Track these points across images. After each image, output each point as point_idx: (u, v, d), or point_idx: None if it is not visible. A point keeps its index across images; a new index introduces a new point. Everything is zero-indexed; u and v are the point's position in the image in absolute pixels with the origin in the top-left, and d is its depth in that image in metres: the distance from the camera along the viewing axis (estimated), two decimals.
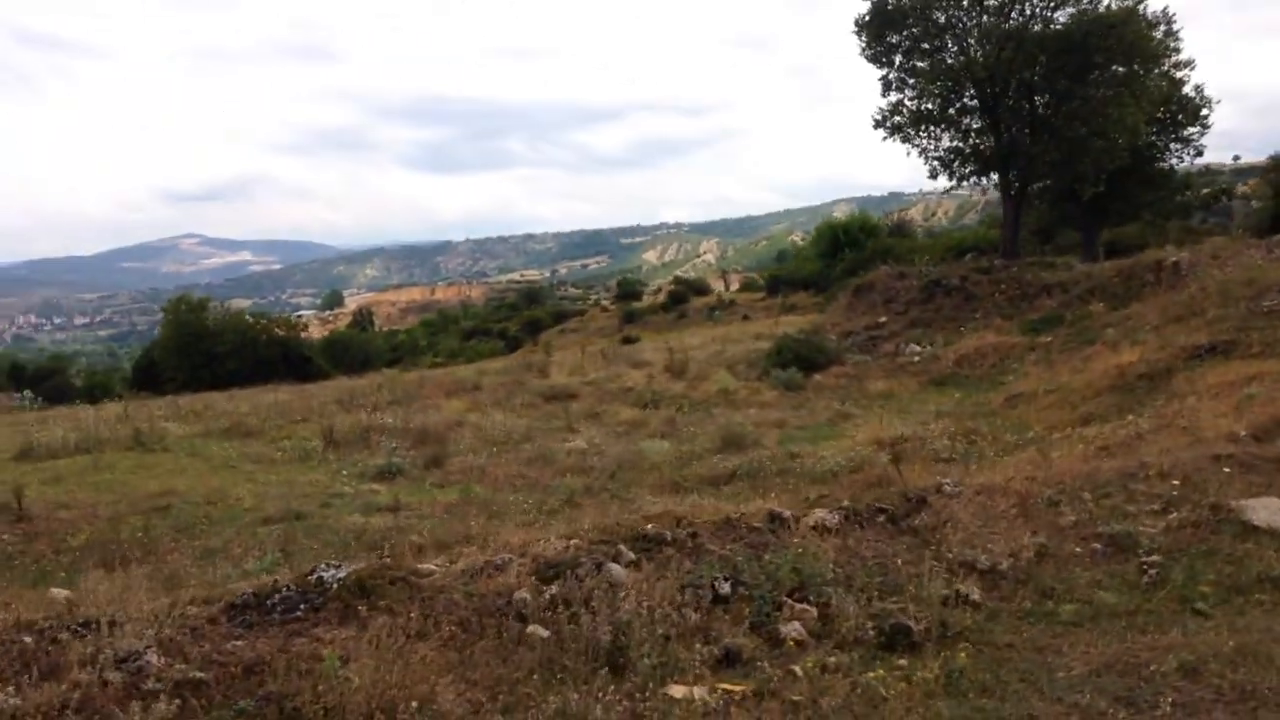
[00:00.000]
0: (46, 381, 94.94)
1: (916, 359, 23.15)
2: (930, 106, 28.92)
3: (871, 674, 5.09)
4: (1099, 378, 16.81)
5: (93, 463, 16.20)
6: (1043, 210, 35.86)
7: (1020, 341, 22.03)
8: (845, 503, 7.62)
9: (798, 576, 6.07)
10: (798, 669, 5.17)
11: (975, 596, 6.24)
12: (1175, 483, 8.62)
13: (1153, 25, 28.95)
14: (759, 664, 5.25)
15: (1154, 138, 33.03)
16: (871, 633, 5.61)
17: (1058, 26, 27.49)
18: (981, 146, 29.08)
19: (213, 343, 61.09)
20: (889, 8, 28.22)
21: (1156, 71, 29.63)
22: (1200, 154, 34.17)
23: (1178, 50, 32.55)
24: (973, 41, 28.05)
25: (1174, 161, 35.15)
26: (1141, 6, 28.08)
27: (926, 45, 28.47)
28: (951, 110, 28.89)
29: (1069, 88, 27.38)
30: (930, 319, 25.30)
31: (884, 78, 29.21)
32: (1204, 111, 33.26)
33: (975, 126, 29.12)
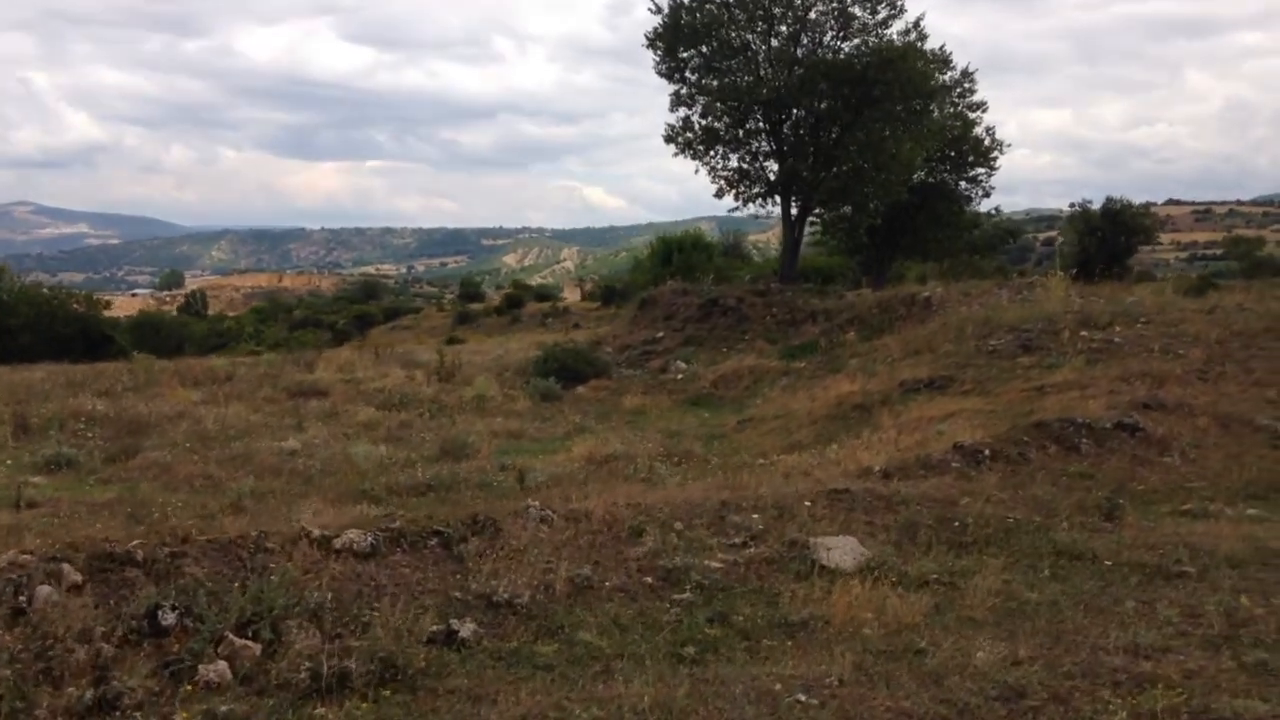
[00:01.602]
0: None
1: (679, 376, 23.10)
2: (718, 125, 29.07)
3: None
4: (820, 406, 16.97)
5: None
6: (840, 238, 36.61)
7: (776, 366, 22.21)
8: (396, 523, 7.14)
9: (256, 606, 5.53)
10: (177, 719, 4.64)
11: (466, 634, 5.83)
12: (773, 515, 8.49)
13: (932, 62, 29.72)
14: (134, 714, 4.69)
15: (945, 175, 34.13)
16: (305, 676, 5.11)
17: (842, 57, 27.96)
18: (766, 170, 29.40)
19: (5, 315, 57.47)
20: (681, 23, 28.24)
21: (937, 110, 30.54)
22: (988, 194, 35.50)
23: (972, 92, 33.76)
24: (763, 64, 28.31)
25: (982, 201, 36.46)
26: (922, 44, 28.82)
27: (718, 64, 28.58)
28: (739, 131, 29.09)
29: (851, 119, 27.91)
30: (704, 337, 25.34)
31: (675, 93, 29.24)
32: (994, 153, 34.54)
33: (762, 150, 29.40)
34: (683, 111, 29.30)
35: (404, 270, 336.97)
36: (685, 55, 28.73)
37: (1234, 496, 10.38)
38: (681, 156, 29.40)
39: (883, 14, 27.91)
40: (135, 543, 6.09)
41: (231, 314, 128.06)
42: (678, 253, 58.18)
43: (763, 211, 30.05)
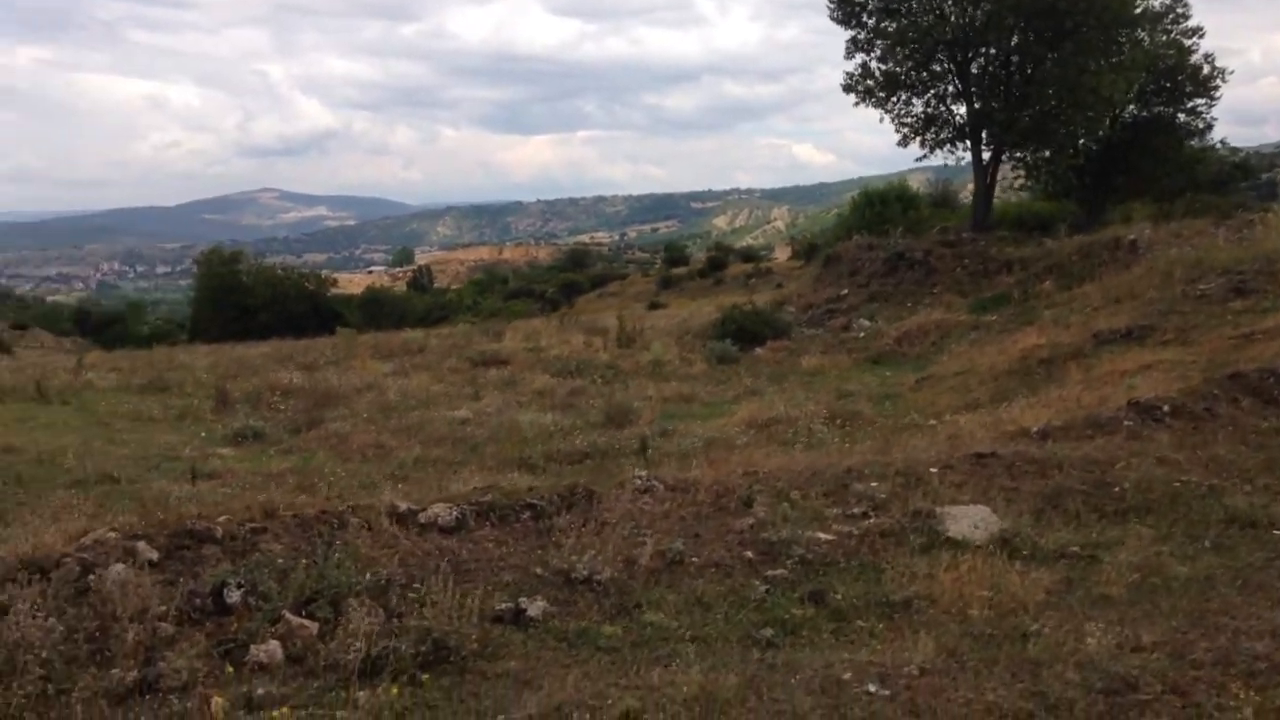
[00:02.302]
0: (110, 328, 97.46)
1: (861, 334, 22.26)
2: (898, 69, 27.57)
3: (287, 710, 4.49)
4: (1002, 362, 15.90)
5: None
6: (1047, 181, 34.28)
7: (964, 320, 21.03)
8: (487, 497, 7.01)
9: (319, 584, 5.49)
10: (213, 704, 4.60)
11: (535, 613, 5.62)
12: (900, 483, 7.89)
13: None
14: (172, 697, 4.68)
15: (1160, 108, 31.38)
16: (354, 658, 4.99)
17: None
18: (953, 114, 27.73)
19: (245, 296, 62.02)
20: None
21: (1147, 38, 27.97)
22: (1210, 127, 32.36)
23: (1185, 17, 30.83)
24: (946, 2, 26.61)
25: (1206, 135, 33.38)
26: None
27: (897, 5, 27.05)
28: (923, 74, 27.52)
29: (1044, 53, 25.89)
30: (889, 293, 24.31)
31: (851, 39, 27.90)
32: (1214, 82, 31.39)
33: (948, 92, 27.72)
34: (860, 58, 28.01)
35: (616, 237, 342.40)
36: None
37: None
38: (863, 105, 28.14)
39: None
40: (223, 518, 6.18)
41: (454, 287, 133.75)
42: (880, 206, 56.35)
43: (952, 158, 28.42)
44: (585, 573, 6.07)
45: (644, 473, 7.74)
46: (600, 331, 26.31)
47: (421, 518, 6.45)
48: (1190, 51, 31.20)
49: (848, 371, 19.89)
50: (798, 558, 6.58)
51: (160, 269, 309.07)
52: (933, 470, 8.07)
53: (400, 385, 19.08)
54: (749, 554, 6.67)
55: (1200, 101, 31.68)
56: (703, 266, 78.49)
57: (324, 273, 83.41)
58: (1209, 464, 8.51)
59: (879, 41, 27.58)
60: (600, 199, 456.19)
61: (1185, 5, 30.28)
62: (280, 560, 5.77)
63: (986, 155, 27.90)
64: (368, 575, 5.67)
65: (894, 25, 27.36)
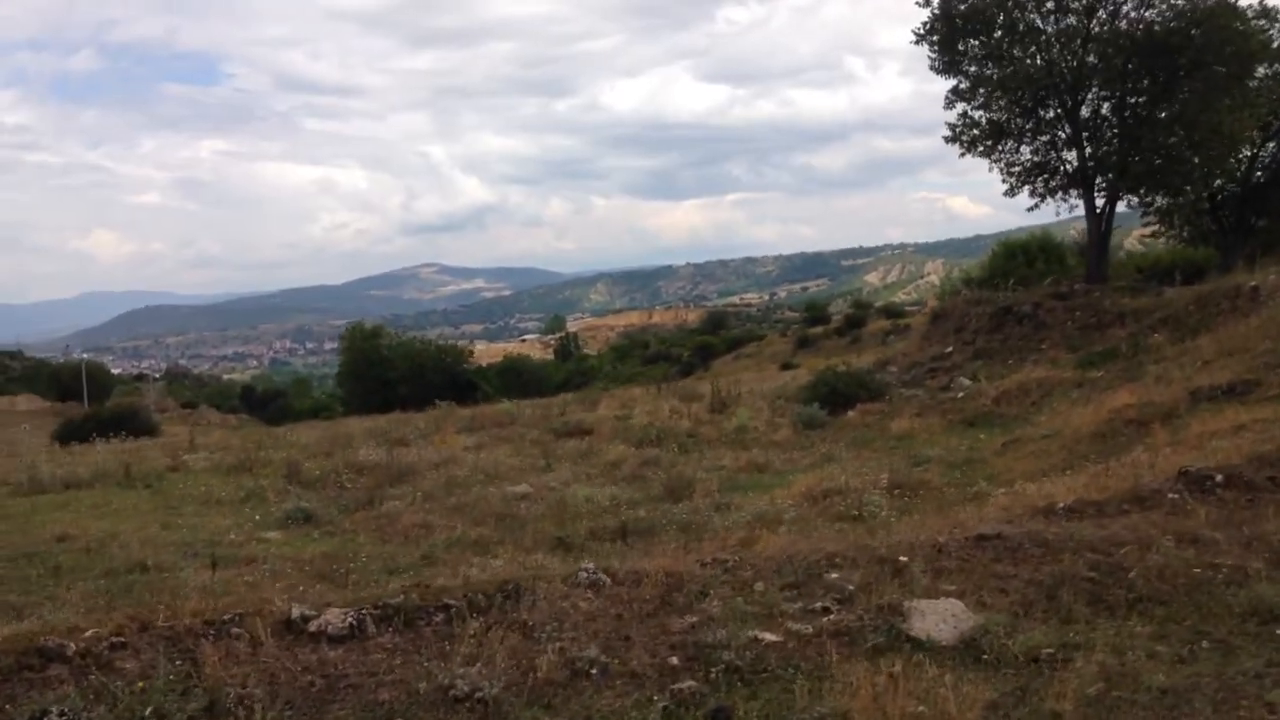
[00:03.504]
0: (273, 403, 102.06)
1: (960, 395, 21.09)
2: (1000, 117, 26.41)
3: None
4: (1088, 424, 14.69)
5: (61, 499, 16.83)
6: (1179, 227, 32.23)
7: (1069, 377, 19.68)
8: (398, 598, 6.56)
9: (141, 711, 5.09)
10: None
11: None
12: (877, 571, 7.12)
13: (1255, 18, 25.34)
14: None
15: None
16: None
17: (1147, 26, 24.48)
18: (1064, 160, 26.31)
19: (385, 369, 64.07)
20: (955, 14, 25.93)
21: (1267, 71, 26.07)
22: None
23: None
24: (1054, 45, 25.42)
25: None
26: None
27: (1002, 52, 25.99)
28: (1029, 121, 26.28)
29: (1159, 93, 24.38)
30: (995, 349, 23.07)
31: (953, 89, 26.89)
32: None
33: (1058, 138, 26.36)
34: (961, 106, 27.01)
35: (766, 298, 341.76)
36: (963, 47, 26.46)
37: None
38: (969, 155, 27.05)
39: None
40: (90, 632, 5.91)
41: (598, 353, 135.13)
42: (1023, 257, 54.19)
43: (1064, 207, 26.99)
44: (467, 689, 5.55)
45: (590, 565, 7.21)
46: (697, 398, 25.83)
47: (313, 625, 6.07)
48: None
49: (938, 435, 18.82)
50: (726, 664, 5.90)
51: (328, 345, 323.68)
52: (918, 557, 7.26)
53: (475, 459, 18.99)
54: (674, 660, 6.03)
55: None
56: (840, 325, 77.17)
57: (467, 343, 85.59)
58: (1250, 544, 7.44)
59: (981, 90, 26.56)
60: (749, 260, 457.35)
61: None
62: (130, 681, 5.44)
63: (1100, 202, 26.39)
64: (191, 703, 5.22)
65: (997, 73, 26.33)
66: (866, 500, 12.89)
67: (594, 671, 5.83)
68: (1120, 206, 28.33)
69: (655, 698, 5.59)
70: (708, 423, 21.80)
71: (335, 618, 6.09)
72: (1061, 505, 8.53)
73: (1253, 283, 19.77)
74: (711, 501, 14.46)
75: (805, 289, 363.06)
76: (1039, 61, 25.49)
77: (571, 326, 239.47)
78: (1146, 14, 24.78)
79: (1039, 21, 25.56)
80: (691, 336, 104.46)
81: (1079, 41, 25.12)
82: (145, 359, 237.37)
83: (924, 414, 20.35)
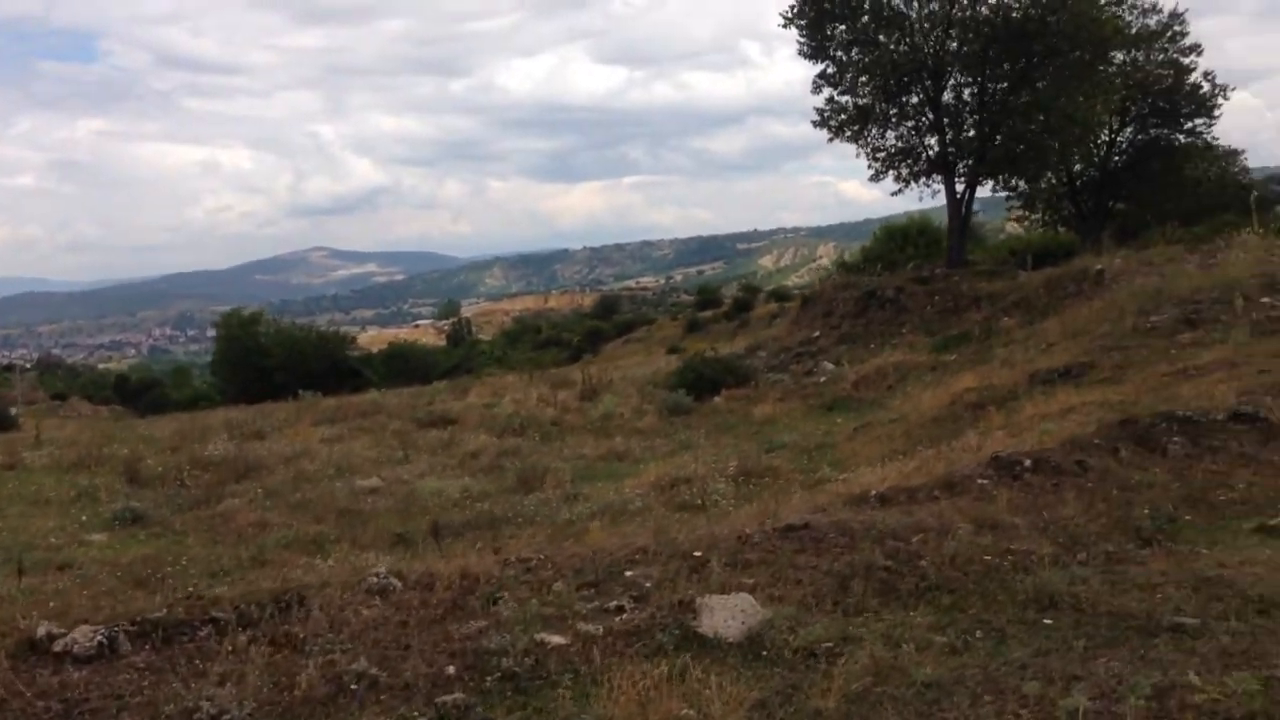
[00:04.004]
0: (148, 393, 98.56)
1: (823, 379, 21.34)
2: (868, 102, 26.74)
3: None
4: (930, 408, 14.94)
5: None
6: (1042, 211, 33.16)
7: (924, 360, 20.05)
8: (160, 613, 6.21)
9: None
10: None
11: None
12: (678, 567, 7.01)
13: (1108, 4, 26.08)
14: None
15: (1157, 129, 30.25)
16: None
17: (1006, 12, 25.00)
18: (926, 145, 26.81)
19: (263, 357, 62.18)
20: None
21: (1142, 56, 26.96)
22: (1209, 146, 31.09)
23: (1183, 35, 29.76)
24: (918, 30, 25.79)
25: (1211, 155, 32.06)
26: None
27: (868, 36, 26.28)
28: (894, 106, 26.66)
29: (1017, 79, 24.96)
30: (860, 334, 23.39)
31: (820, 73, 27.11)
32: (1215, 101, 30.19)
33: (922, 124, 26.81)
34: (828, 92, 27.24)
35: (662, 281, 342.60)
36: (830, 31, 26.65)
37: None
38: (836, 140, 27.30)
39: None
40: None
41: (491, 338, 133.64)
42: (901, 240, 55.13)
43: (928, 191, 27.46)
44: (214, 711, 5.24)
45: (381, 569, 6.95)
46: (569, 384, 25.63)
47: (59, 645, 5.69)
48: (1189, 70, 30.10)
49: (798, 420, 18.96)
50: (503, 672, 5.71)
51: (211, 333, 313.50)
52: (721, 550, 7.17)
53: (330, 452, 18.48)
54: (451, 669, 5.81)
55: (1200, 121, 30.49)
56: (729, 309, 77.56)
57: (358, 329, 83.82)
58: (1047, 529, 7.55)
59: (847, 74, 26.81)
60: (647, 244, 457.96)
61: (1183, 23, 29.30)
62: None
63: (960, 187, 26.95)
64: None
65: (864, 57, 26.60)
66: (711, 489, 12.85)
67: (358, 686, 5.58)
68: (986, 191, 28.99)
69: (418, 713, 5.37)
70: (575, 410, 21.63)
71: (83, 636, 5.72)
72: (874, 493, 8.56)
73: (1099, 266, 20.35)
74: (562, 492, 14.31)
75: (701, 272, 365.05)
76: (903, 46, 25.84)
77: (467, 311, 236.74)
78: (1007, 0, 25.27)
79: (903, 6, 25.90)
80: (583, 321, 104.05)
81: (942, 27, 25.53)
82: (16, 348, 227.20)
83: (787, 399, 20.51)
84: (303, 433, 20.61)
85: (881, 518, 7.80)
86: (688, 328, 75.39)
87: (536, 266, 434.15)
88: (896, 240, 54.47)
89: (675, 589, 6.67)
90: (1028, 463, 8.72)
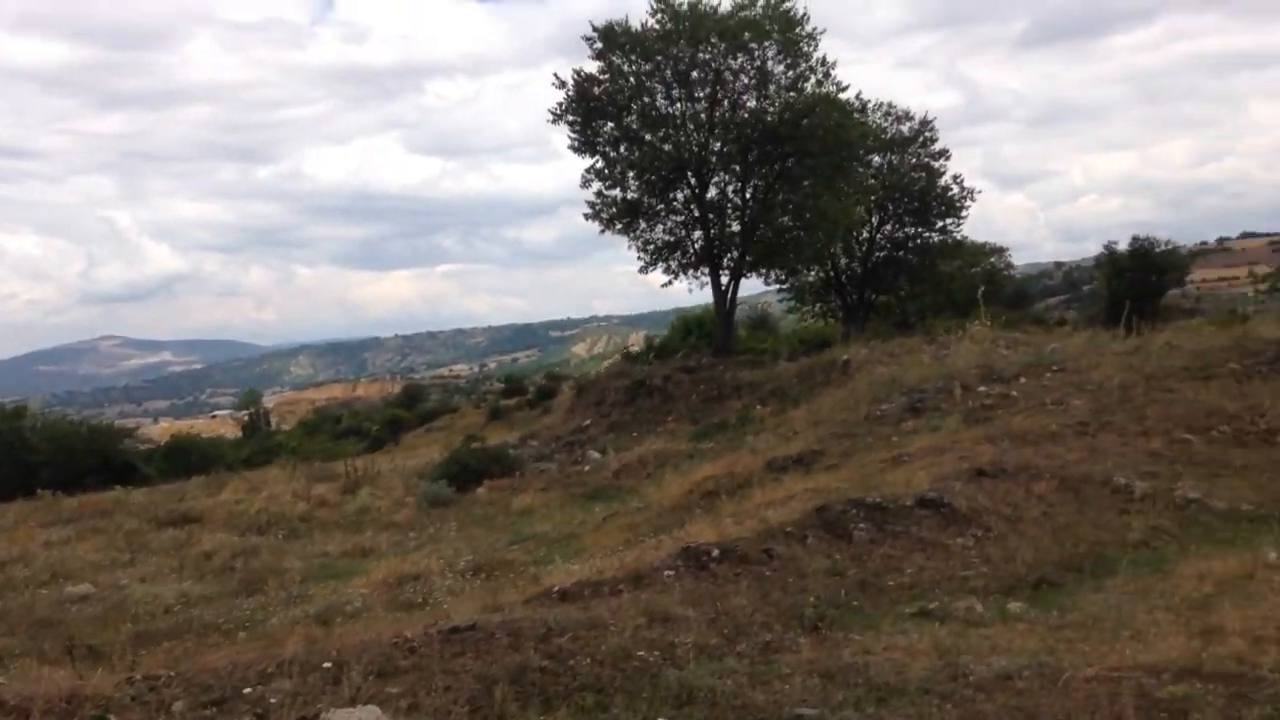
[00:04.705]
0: None
1: (587, 468, 21.25)
2: (636, 196, 27.49)
3: None
4: (669, 497, 15.02)
5: None
6: (811, 303, 34.67)
7: (684, 449, 20.25)
8: None
9: None
10: None
11: None
12: (319, 678, 6.59)
13: (854, 112, 27.81)
14: None
15: (909, 228, 32.22)
16: None
17: (762, 116, 26.33)
18: (693, 239, 27.70)
19: (28, 453, 57.71)
20: (592, 97, 26.85)
21: (890, 160, 28.76)
22: (960, 244, 33.36)
23: (933, 140, 31.94)
24: (683, 130, 26.77)
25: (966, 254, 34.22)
26: (846, 94, 27.24)
27: (636, 134, 27.08)
28: (661, 202, 27.49)
29: (775, 178, 26.19)
30: (628, 422, 23.51)
31: (590, 168, 27.72)
32: (963, 203, 32.50)
33: (689, 218, 27.70)
34: (597, 185, 27.82)
35: (476, 369, 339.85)
36: (599, 127, 27.29)
37: (1015, 585, 8.25)
38: (609, 232, 27.82)
39: (801, 68, 26.37)
40: None
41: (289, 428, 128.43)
42: (696, 329, 56.29)
43: (696, 283, 28.27)
44: None
45: None
46: (335, 477, 24.73)
47: None
48: (940, 174, 32.25)
49: (556, 510, 18.72)
50: None
51: None
52: (369, 658, 6.78)
53: (49, 556, 17.08)
54: None
55: (950, 221, 32.67)
56: (533, 396, 77.23)
57: (150, 421, 79.36)
58: (717, 620, 7.49)
59: (616, 170, 27.45)
60: (460, 331, 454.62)
61: (933, 130, 31.42)
62: None
63: (725, 279, 27.82)
64: None
65: (631, 154, 27.29)
66: (438, 586, 12.43)
67: None
68: (759, 283, 29.99)
69: None
70: (333, 505, 20.83)
71: None
72: (555, 589, 8.36)
73: (845, 356, 21.17)
74: (286, 595, 13.57)
75: (515, 360, 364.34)
76: (668, 146, 26.69)
77: (270, 401, 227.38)
78: (763, 104, 26.51)
79: (668, 107, 26.80)
80: (386, 410, 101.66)
81: (705, 128, 26.51)
82: None
83: (549, 489, 20.28)
84: (24, 536, 19.01)
85: (556, 615, 7.58)
86: (490, 416, 74.50)
87: (346, 354, 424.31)
88: (693, 330, 55.77)
89: (305, 704, 6.21)
90: (715, 553, 8.71)
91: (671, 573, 8.52)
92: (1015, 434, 12.76)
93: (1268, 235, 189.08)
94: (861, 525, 9.40)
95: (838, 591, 8.17)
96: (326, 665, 6.71)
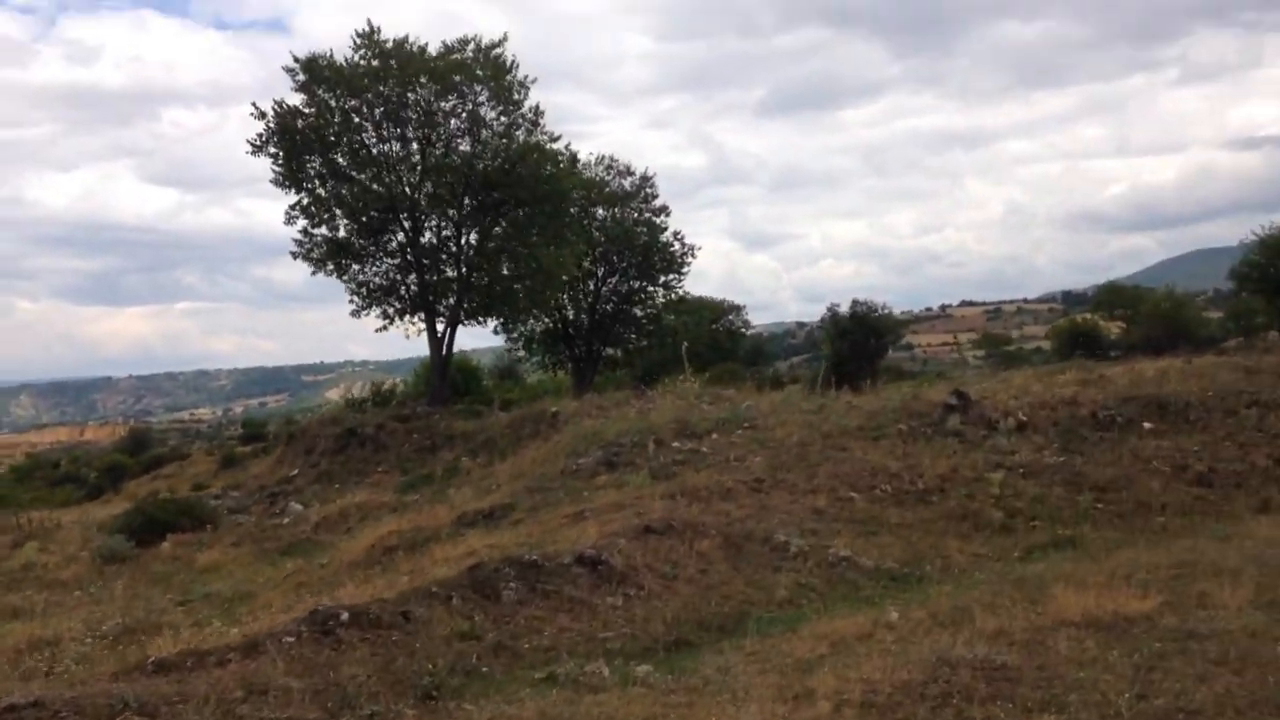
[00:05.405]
0: None
1: (287, 521, 20.15)
2: (345, 236, 26.81)
3: None
4: (348, 554, 14.37)
5: None
6: (539, 352, 34.81)
7: (388, 501, 19.55)
8: None
9: None
10: None
11: None
12: None
13: (563, 163, 28.12)
14: None
15: (633, 282, 32.96)
16: None
17: (474, 161, 26.35)
18: (408, 284, 27.23)
19: None
20: (297, 131, 26.02)
21: (606, 213, 29.27)
22: (682, 299, 34.39)
23: (654, 196, 32.84)
24: (393, 170, 26.39)
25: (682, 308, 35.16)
26: (556, 145, 27.59)
27: (345, 171, 26.44)
28: (372, 243, 26.93)
29: (489, 225, 26.18)
30: (337, 472, 22.57)
31: (296, 203, 26.79)
32: (684, 259, 33.52)
33: (403, 262, 27.25)
34: (302, 223, 26.91)
35: (220, 413, 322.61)
36: (305, 162, 26.42)
37: (651, 646, 8.21)
38: (320, 273, 26.84)
39: (514, 115, 26.53)
40: None
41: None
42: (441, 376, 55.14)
43: (412, 330, 27.71)
44: None
45: None
46: (7, 530, 22.50)
47: None
48: (661, 229, 33.11)
49: (245, 566, 17.56)
50: None
51: None
52: None
53: None
54: None
55: (672, 276, 33.54)
56: (268, 444, 73.71)
57: None
58: (321, 693, 7.04)
59: (324, 209, 26.65)
60: (203, 373, 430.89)
61: (653, 186, 32.18)
62: None
63: (441, 327, 27.42)
64: None
65: (342, 191, 26.62)
66: (70, 653, 11.28)
67: None
68: (485, 331, 29.69)
69: None
70: None
71: None
72: (153, 659, 7.67)
73: (554, 409, 21.14)
74: None
75: (264, 404, 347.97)
76: (377, 186, 26.15)
77: None
78: (476, 149, 26.45)
79: (379, 146, 26.33)
80: (108, 455, 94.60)
81: (417, 170, 26.20)
82: None
83: (241, 543, 19.08)
84: None
85: (140, 689, 6.91)
86: (222, 463, 70.54)
87: (74, 395, 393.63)
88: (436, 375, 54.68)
89: None
90: (344, 616, 8.24)
91: (293, 639, 7.98)
92: (692, 490, 12.92)
93: (983, 304, 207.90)
94: (512, 585, 9.16)
95: (470, 656, 7.88)
96: None
